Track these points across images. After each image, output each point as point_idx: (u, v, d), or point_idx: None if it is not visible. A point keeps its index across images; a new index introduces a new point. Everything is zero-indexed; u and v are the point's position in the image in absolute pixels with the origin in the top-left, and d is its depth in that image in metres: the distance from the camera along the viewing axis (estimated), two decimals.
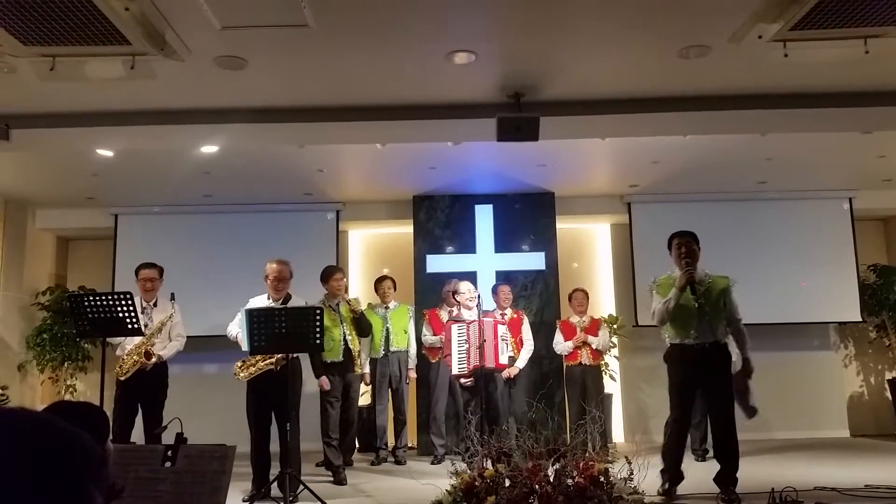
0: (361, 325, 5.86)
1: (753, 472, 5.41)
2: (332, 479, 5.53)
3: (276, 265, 5.17)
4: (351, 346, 5.76)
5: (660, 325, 4.75)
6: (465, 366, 6.10)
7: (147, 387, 5.25)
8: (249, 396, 5.05)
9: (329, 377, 5.74)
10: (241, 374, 5.01)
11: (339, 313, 5.81)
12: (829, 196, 8.01)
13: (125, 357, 5.23)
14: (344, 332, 5.77)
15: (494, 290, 6.88)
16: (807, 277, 7.86)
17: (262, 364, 4.95)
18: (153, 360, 5.21)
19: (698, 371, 4.55)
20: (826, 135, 6.02)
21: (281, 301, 5.11)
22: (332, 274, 5.95)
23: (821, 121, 5.43)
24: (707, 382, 4.58)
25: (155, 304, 5.49)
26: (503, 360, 6.31)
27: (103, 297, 4.87)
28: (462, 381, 6.28)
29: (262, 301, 5.15)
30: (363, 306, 6.06)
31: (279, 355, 4.87)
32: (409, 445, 7.02)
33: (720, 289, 4.62)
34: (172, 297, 5.46)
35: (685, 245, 4.62)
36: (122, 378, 5.20)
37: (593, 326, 6.87)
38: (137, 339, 5.21)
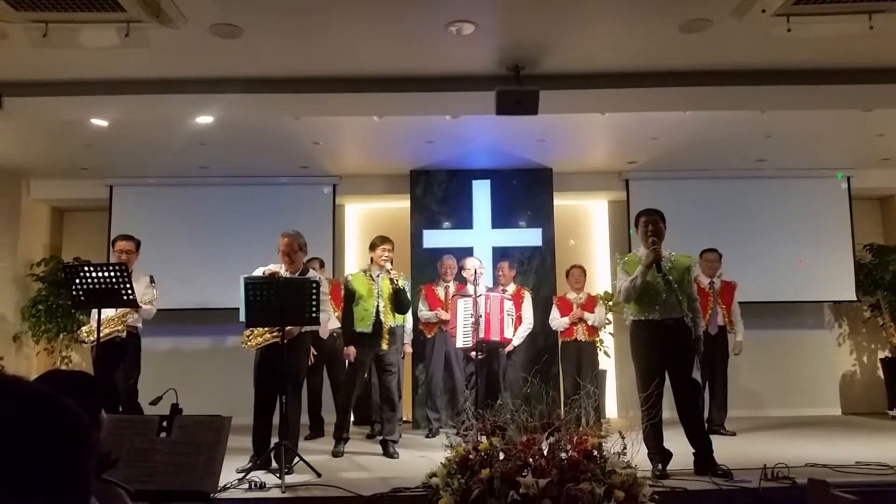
0: (400, 301, 5.59)
1: (746, 449, 5.45)
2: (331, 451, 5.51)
3: (283, 238, 5.13)
4: (383, 320, 5.53)
5: (624, 303, 4.79)
6: (471, 339, 6.11)
7: (118, 356, 5.25)
8: (256, 367, 5.01)
9: (357, 349, 5.55)
10: (249, 344, 4.98)
11: (378, 285, 5.58)
12: (827, 175, 7.99)
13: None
14: (378, 305, 5.54)
15: (496, 267, 6.90)
16: (803, 256, 7.87)
17: (268, 335, 4.91)
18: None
19: (662, 348, 4.57)
20: (825, 113, 5.99)
21: (298, 274, 5.07)
22: (381, 244, 5.60)
23: (821, 98, 5.40)
24: (671, 359, 4.59)
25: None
26: (508, 334, 6.35)
27: (98, 268, 4.84)
28: (472, 354, 6.29)
29: (272, 268, 5.09)
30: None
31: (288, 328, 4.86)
32: (405, 419, 7.05)
33: (685, 267, 4.65)
34: (152, 281, 5.42)
35: (652, 223, 4.62)
36: (84, 342, 5.20)
37: (590, 303, 6.88)
38: (113, 312, 5.19)
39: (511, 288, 6.81)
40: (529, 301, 6.85)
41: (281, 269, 5.04)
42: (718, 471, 4.33)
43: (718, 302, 6.56)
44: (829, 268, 7.91)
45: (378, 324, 5.51)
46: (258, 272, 4.99)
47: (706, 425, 6.18)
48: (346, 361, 5.89)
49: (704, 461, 4.48)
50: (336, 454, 5.44)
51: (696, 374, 4.61)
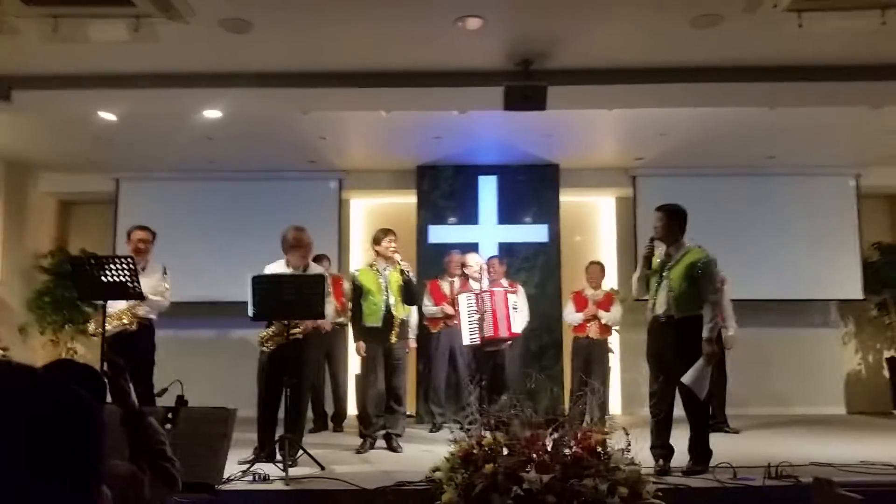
0: (410, 292, 5.55)
1: (750, 447, 5.44)
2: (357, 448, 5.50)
3: (304, 234, 5.15)
4: (394, 313, 5.48)
5: (636, 297, 4.99)
6: (477, 335, 6.11)
7: (132, 347, 5.23)
8: (266, 361, 4.99)
9: (367, 344, 5.51)
10: (267, 346, 4.95)
11: (386, 278, 5.53)
12: (835, 172, 7.95)
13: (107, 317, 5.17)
14: (387, 299, 5.48)
15: (487, 263, 6.87)
16: (810, 254, 7.83)
17: (286, 333, 4.88)
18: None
19: (656, 344, 4.68)
20: (835, 110, 5.96)
21: (302, 269, 5.09)
22: (385, 236, 5.57)
23: (831, 95, 5.38)
24: (663, 355, 4.61)
25: (143, 268, 5.39)
26: (516, 328, 6.35)
27: (105, 261, 4.86)
28: (487, 349, 6.29)
29: (280, 267, 5.11)
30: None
31: (307, 322, 4.86)
32: (408, 413, 7.06)
33: (687, 263, 4.57)
34: (165, 272, 5.43)
35: (657, 219, 4.73)
36: (93, 335, 5.19)
37: (606, 301, 6.81)
38: (124, 303, 5.20)
39: (504, 283, 6.79)
40: (524, 295, 6.85)
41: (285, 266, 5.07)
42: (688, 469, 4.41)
43: None
44: (835, 266, 7.88)
45: (388, 317, 5.46)
46: (268, 271, 5.00)
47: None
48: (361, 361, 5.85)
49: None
50: (358, 451, 5.42)
51: (690, 377, 4.43)
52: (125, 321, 5.23)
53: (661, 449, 4.55)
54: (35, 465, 0.76)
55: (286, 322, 4.85)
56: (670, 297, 4.57)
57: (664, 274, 4.60)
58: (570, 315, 6.84)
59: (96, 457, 0.83)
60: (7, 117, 6.01)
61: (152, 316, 5.42)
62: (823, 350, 8.17)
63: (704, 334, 4.43)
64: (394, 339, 5.49)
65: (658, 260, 4.72)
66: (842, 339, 8.36)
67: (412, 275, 5.58)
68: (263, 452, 4.77)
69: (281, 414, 4.99)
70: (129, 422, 1.96)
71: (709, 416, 4.74)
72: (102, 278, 4.80)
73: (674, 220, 4.68)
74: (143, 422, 1.99)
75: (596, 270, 6.90)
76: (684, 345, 4.48)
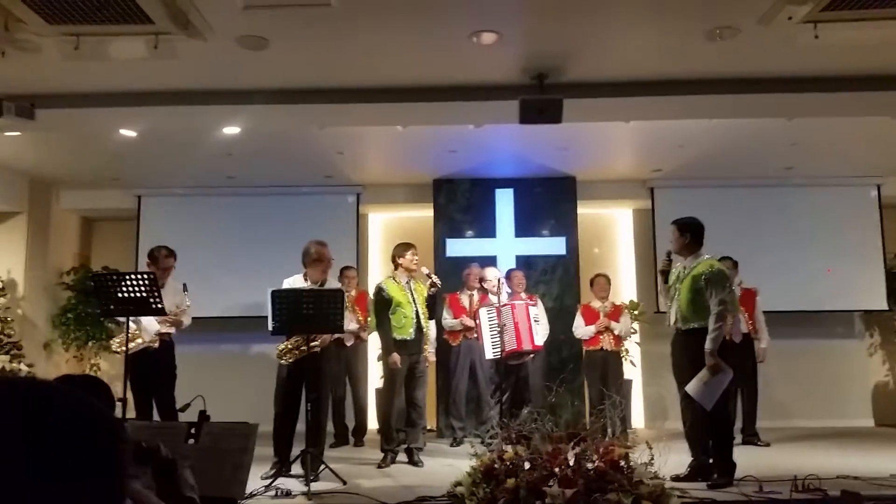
0: (434, 305, 5.66)
1: (776, 460, 5.36)
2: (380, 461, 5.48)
3: (326, 249, 5.19)
4: (423, 325, 5.53)
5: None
6: (500, 349, 6.10)
7: (155, 365, 5.30)
8: (283, 375, 5.03)
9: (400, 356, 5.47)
10: (286, 358, 4.98)
11: (411, 291, 5.58)
12: (856, 183, 7.88)
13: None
14: (417, 310, 5.51)
15: (508, 276, 6.86)
16: (833, 265, 7.74)
17: (305, 347, 4.93)
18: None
19: (673, 356, 4.84)
20: (854, 120, 5.91)
21: (320, 284, 5.12)
22: (407, 250, 5.63)
23: (850, 105, 5.32)
24: (678, 369, 4.75)
25: (162, 286, 5.46)
26: (538, 341, 6.34)
27: (127, 277, 4.91)
28: (510, 363, 6.28)
29: (298, 282, 5.15)
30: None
31: (325, 335, 4.90)
32: (428, 428, 7.04)
33: (693, 275, 4.63)
34: (185, 288, 5.48)
35: (671, 232, 4.87)
36: (118, 351, 5.27)
37: (616, 312, 6.82)
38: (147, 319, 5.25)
39: (522, 296, 6.78)
40: (542, 307, 6.83)
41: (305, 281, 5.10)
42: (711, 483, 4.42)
43: (740, 310, 6.46)
44: (859, 276, 7.78)
45: (419, 329, 5.51)
46: (286, 285, 5.03)
47: (740, 436, 6.22)
48: (384, 374, 5.83)
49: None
50: (380, 466, 5.41)
51: (694, 387, 4.46)
52: (147, 339, 5.30)
53: (694, 461, 4.55)
54: (58, 482, 0.76)
55: (304, 335, 4.87)
56: (678, 309, 4.59)
57: (677, 286, 4.69)
58: (581, 328, 6.80)
59: (119, 473, 0.83)
60: (31, 136, 6.11)
61: (172, 330, 5.48)
62: (849, 361, 8.06)
63: (707, 346, 4.46)
64: (428, 350, 5.61)
65: (675, 273, 4.73)
66: (868, 350, 8.24)
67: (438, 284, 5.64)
68: (285, 467, 4.77)
69: (298, 428, 5.00)
70: (162, 472, 1.95)
71: (728, 428, 4.70)
72: (124, 294, 4.85)
73: (687, 234, 4.75)
74: (176, 472, 1.98)
75: (602, 282, 6.88)
76: (693, 356, 4.52)
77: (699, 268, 4.63)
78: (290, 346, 4.98)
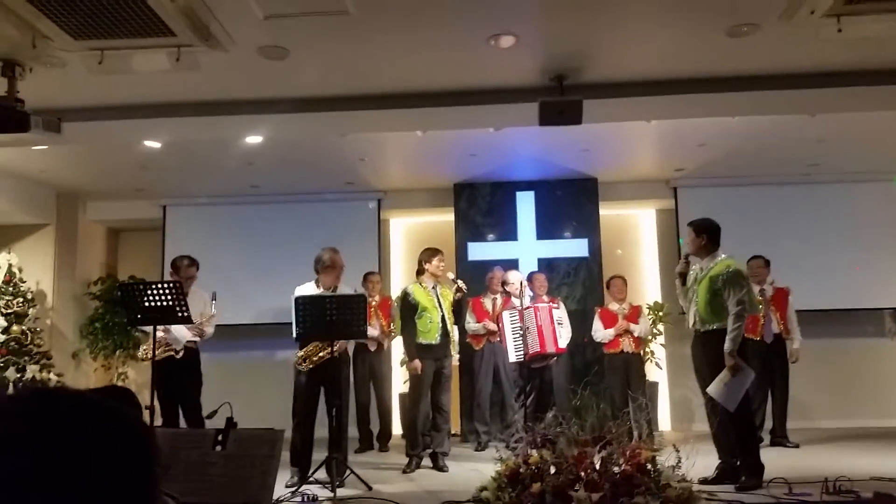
0: (460, 311, 5.71)
1: (806, 461, 5.29)
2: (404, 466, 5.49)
3: (338, 255, 5.22)
4: (449, 330, 5.54)
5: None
6: (523, 352, 6.09)
7: (181, 372, 5.36)
8: (301, 381, 5.05)
9: (423, 361, 5.47)
10: (303, 366, 5.01)
11: (438, 296, 5.60)
12: (883, 178, 7.74)
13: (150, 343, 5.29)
14: (443, 315, 5.52)
15: (530, 279, 6.85)
16: (861, 262, 7.62)
17: (323, 354, 4.96)
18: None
19: (693, 358, 4.80)
20: (879, 114, 5.80)
21: (332, 290, 5.15)
22: (434, 255, 5.66)
23: (875, 99, 5.23)
24: (699, 371, 4.73)
25: (186, 294, 5.52)
26: (562, 344, 6.33)
27: (154, 287, 4.97)
28: (533, 366, 6.26)
29: (310, 289, 5.19)
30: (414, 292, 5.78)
31: (341, 341, 4.91)
32: (453, 432, 7.04)
33: (711, 275, 4.62)
34: (214, 297, 5.53)
35: (687, 234, 4.87)
36: (144, 360, 5.37)
37: (634, 313, 6.77)
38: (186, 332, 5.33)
39: (545, 298, 6.76)
40: (564, 310, 6.82)
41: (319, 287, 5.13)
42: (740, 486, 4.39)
43: (772, 309, 6.38)
44: (888, 274, 7.65)
45: (445, 334, 5.52)
46: (299, 292, 5.07)
47: (769, 437, 6.22)
48: (410, 379, 5.84)
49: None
50: (405, 471, 5.42)
51: (715, 388, 4.43)
52: (178, 347, 5.37)
53: (722, 463, 4.51)
54: (91, 491, 0.77)
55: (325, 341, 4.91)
56: (697, 311, 4.56)
57: (694, 288, 4.67)
58: (600, 332, 6.75)
59: (152, 478, 0.84)
60: (58, 149, 6.22)
61: (197, 338, 5.55)
62: (879, 360, 7.92)
63: (726, 347, 4.43)
64: (453, 353, 5.60)
65: (692, 275, 4.72)
66: None
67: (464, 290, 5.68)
68: (311, 475, 4.78)
69: (318, 433, 5.03)
70: None
71: (752, 428, 4.66)
72: (150, 303, 4.92)
73: (703, 235, 4.74)
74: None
75: (619, 284, 6.84)
76: (713, 358, 4.51)
77: (716, 268, 4.61)
78: (308, 353, 5.01)
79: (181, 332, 5.38)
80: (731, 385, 4.37)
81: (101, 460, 0.79)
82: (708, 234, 4.74)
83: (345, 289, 5.28)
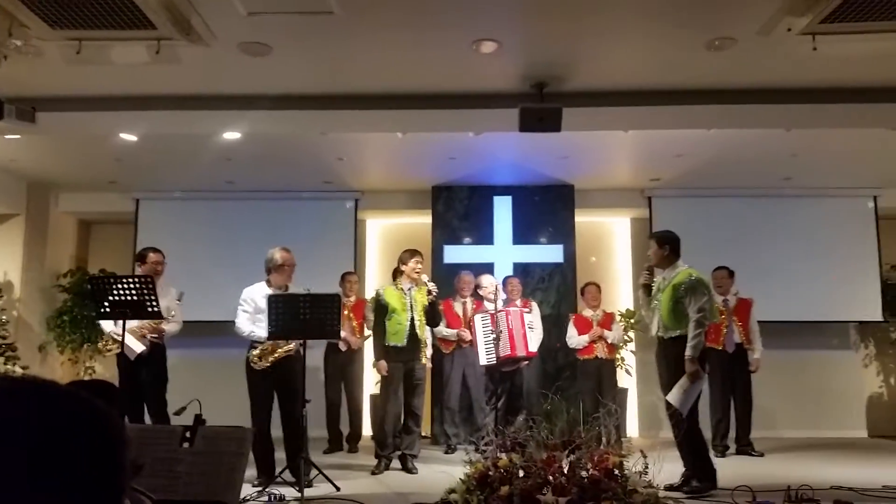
0: (434, 315, 5.62)
1: (769, 470, 5.37)
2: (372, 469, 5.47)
3: (289, 254, 5.18)
4: (418, 333, 5.51)
5: (648, 324, 5.13)
6: (494, 355, 6.10)
7: (145, 368, 5.26)
8: (257, 381, 4.99)
9: (389, 364, 5.47)
10: (261, 363, 4.96)
11: (411, 298, 5.56)
12: (853, 194, 7.90)
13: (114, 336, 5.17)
14: (413, 318, 5.50)
15: (504, 283, 6.89)
16: (829, 276, 7.76)
17: (281, 351, 4.94)
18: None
19: (656, 365, 4.89)
20: (852, 131, 5.94)
21: (284, 289, 5.11)
22: (412, 257, 5.63)
23: (848, 116, 5.36)
24: (660, 378, 4.81)
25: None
26: (532, 348, 6.36)
27: (124, 281, 4.90)
28: (504, 369, 6.28)
29: (262, 289, 5.13)
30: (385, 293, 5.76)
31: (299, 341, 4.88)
32: (423, 434, 7.04)
33: (673, 284, 4.73)
34: (180, 298, 5.44)
35: (649, 246, 4.99)
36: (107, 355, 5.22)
37: (607, 320, 6.86)
38: (136, 322, 5.19)
39: (517, 302, 6.79)
40: (538, 313, 6.85)
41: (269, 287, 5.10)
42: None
43: (734, 320, 6.48)
44: (855, 288, 7.79)
45: (413, 337, 5.50)
46: (248, 293, 5.05)
47: (734, 445, 6.34)
48: (381, 380, 5.84)
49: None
50: (373, 472, 5.40)
51: (673, 395, 4.54)
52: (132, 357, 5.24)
53: (686, 470, 4.57)
54: (57, 481, 0.77)
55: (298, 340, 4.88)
56: (659, 318, 4.70)
57: (658, 297, 4.79)
58: (574, 338, 6.81)
59: (122, 471, 0.84)
60: (29, 139, 6.11)
61: (156, 336, 5.41)
62: (844, 372, 8.07)
63: (687, 353, 4.55)
64: (423, 359, 5.57)
65: (656, 285, 4.88)
66: (863, 361, 8.26)
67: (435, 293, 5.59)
68: (276, 474, 4.75)
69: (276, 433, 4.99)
70: None
71: (698, 433, 4.70)
72: (120, 297, 4.84)
73: (666, 246, 4.87)
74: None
75: (593, 291, 6.91)
76: (673, 364, 4.61)
77: (678, 277, 4.73)
78: (263, 352, 4.96)
79: (134, 345, 5.18)
80: (688, 391, 4.48)
81: (68, 451, 0.78)
82: (670, 246, 4.87)
83: (295, 289, 5.20)
